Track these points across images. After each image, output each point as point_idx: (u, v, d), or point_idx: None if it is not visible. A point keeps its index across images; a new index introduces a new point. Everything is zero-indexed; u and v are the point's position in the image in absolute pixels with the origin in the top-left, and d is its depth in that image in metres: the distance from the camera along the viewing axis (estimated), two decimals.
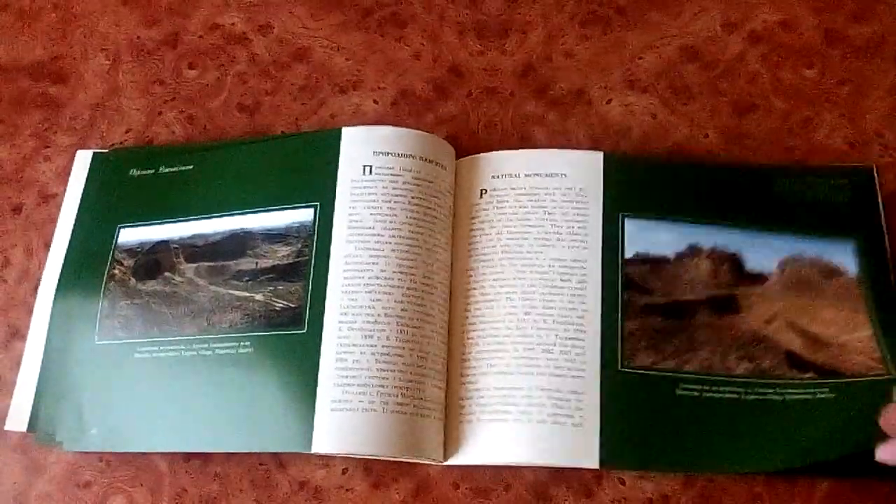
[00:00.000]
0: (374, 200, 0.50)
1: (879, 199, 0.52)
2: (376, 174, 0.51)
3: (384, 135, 0.52)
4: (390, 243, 0.49)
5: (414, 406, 0.46)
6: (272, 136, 0.56)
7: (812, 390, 0.47)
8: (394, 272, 0.48)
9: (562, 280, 0.50)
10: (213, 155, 0.55)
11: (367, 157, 0.51)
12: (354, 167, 0.51)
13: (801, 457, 0.46)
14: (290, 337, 0.48)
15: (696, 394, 0.47)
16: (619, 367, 0.48)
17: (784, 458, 0.46)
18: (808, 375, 0.48)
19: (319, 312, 0.48)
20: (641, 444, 0.47)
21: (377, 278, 0.48)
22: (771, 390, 0.47)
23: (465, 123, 0.56)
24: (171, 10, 0.61)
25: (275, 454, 0.48)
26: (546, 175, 0.52)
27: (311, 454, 0.47)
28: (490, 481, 0.48)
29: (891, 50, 0.56)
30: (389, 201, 0.50)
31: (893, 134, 0.54)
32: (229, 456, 0.49)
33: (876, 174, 0.52)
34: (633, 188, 0.52)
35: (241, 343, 0.49)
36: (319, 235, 0.50)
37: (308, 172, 0.52)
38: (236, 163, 0.54)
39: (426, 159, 0.51)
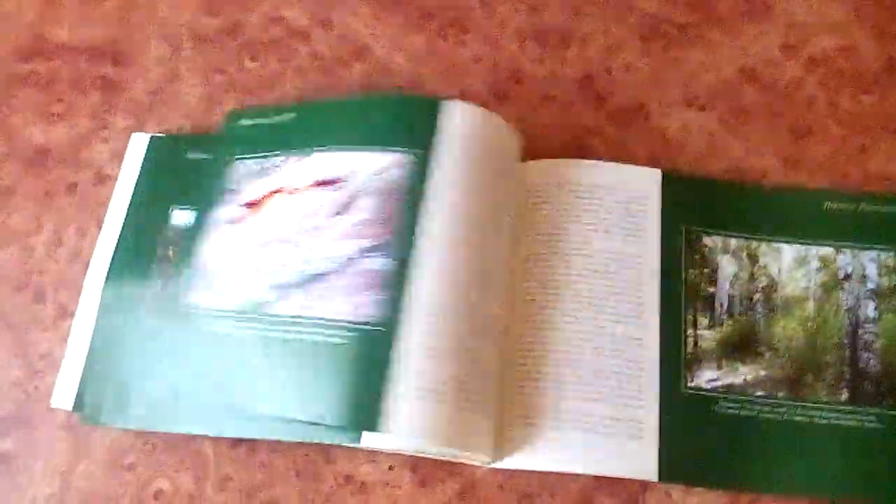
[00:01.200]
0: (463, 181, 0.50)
1: None
2: (469, 154, 0.50)
3: (478, 114, 0.51)
4: (474, 234, 0.49)
5: (469, 402, 0.46)
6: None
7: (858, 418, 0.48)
8: (469, 270, 0.48)
9: (621, 299, 0.50)
10: None
11: (463, 133, 0.51)
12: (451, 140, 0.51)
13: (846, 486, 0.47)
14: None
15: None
16: (681, 388, 0.49)
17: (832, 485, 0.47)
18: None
19: None
20: (698, 461, 0.47)
21: (455, 269, 0.48)
22: (817, 413, 0.48)
23: (522, 130, 0.56)
24: (234, 1, 0.62)
25: (321, 447, 0.48)
26: (605, 188, 0.53)
27: (359, 449, 0.48)
28: (536, 487, 0.48)
29: None
30: (470, 184, 0.50)
31: None
32: (276, 446, 0.49)
33: None
34: (690, 207, 0.53)
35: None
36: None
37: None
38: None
39: (505, 150, 0.52)
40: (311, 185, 0.51)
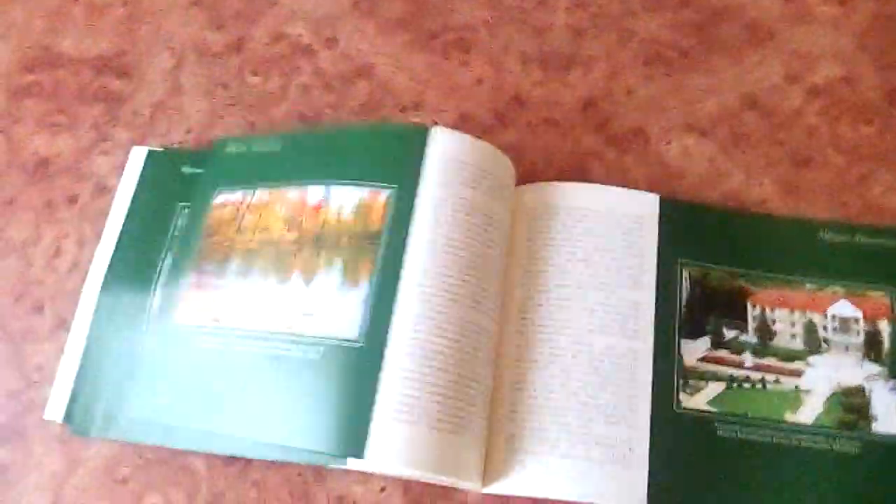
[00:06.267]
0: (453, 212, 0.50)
1: None
2: (456, 181, 0.51)
3: (468, 144, 0.52)
4: (462, 256, 0.49)
5: (457, 428, 0.46)
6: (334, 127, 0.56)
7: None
8: (458, 292, 0.48)
9: (615, 321, 0.50)
10: None
11: (451, 161, 0.51)
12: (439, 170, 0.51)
13: None
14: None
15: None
16: (674, 409, 0.48)
17: None
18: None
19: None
20: (693, 489, 0.47)
21: (443, 291, 0.48)
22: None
23: (523, 152, 0.56)
24: (238, 15, 0.62)
25: (314, 467, 0.48)
26: (603, 212, 0.53)
27: (351, 469, 0.47)
28: None
29: None
30: (456, 211, 0.50)
31: None
32: (269, 464, 0.49)
33: None
34: (687, 234, 0.53)
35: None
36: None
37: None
38: None
39: (496, 176, 0.52)
40: None
